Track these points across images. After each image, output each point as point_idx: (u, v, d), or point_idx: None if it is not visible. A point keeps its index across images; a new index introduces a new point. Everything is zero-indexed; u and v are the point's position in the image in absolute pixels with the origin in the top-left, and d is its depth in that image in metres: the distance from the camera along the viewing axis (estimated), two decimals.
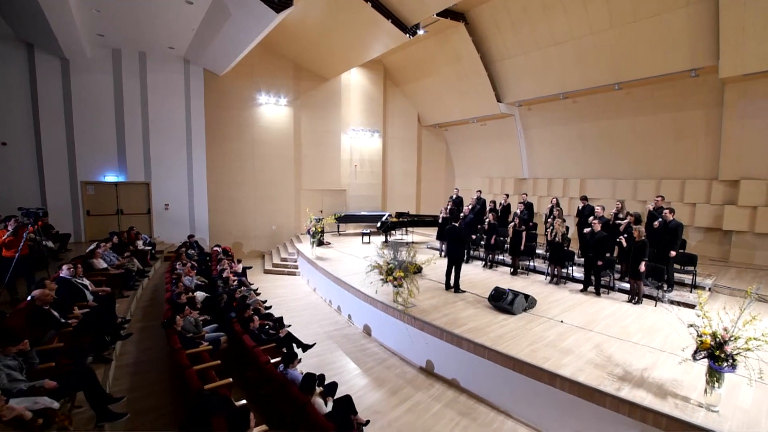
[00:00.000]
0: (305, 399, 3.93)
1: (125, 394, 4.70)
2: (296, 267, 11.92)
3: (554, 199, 9.64)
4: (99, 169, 11.20)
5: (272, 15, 8.09)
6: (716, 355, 3.57)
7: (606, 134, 11.91)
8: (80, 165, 10.88)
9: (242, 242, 13.59)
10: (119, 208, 11.66)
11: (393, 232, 13.54)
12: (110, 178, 11.36)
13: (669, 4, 8.67)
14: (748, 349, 3.51)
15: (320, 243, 12.11)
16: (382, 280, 6.60)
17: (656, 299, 6.85)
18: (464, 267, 9.51)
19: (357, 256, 10.38)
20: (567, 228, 9.70)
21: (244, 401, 4.02)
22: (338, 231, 14.46)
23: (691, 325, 3.86)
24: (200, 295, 7.52)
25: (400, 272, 6.42)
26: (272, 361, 4.92)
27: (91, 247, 7.83)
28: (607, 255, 8.02)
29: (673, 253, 6.85)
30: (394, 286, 6.56)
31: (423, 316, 6.17)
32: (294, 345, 6.30)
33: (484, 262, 9.59)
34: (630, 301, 6.92)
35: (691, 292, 7.09)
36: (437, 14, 10.91)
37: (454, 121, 15.66)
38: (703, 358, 3.68)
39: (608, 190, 12.22)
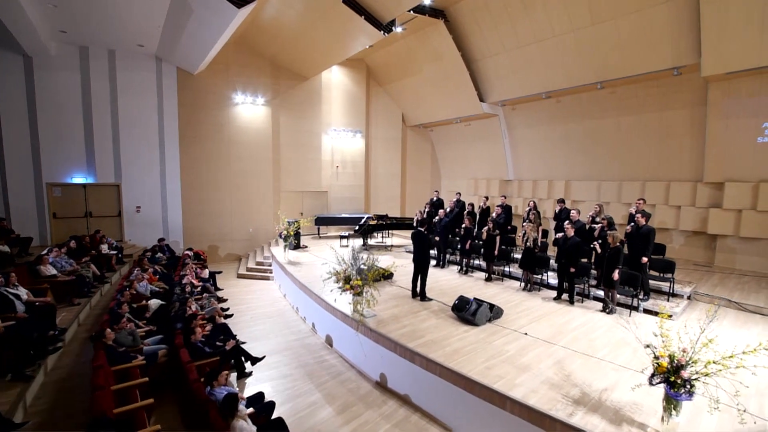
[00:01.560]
0: (221, 424, 3.56)
1: (44, 415, 4.34)
2: (271, 271, 11.56)
3: (531, 202, 9.28)
4: (66, 170, 10.84)
5: (234, 11, 7.75)
6: (672, 381, 3.21)
7: (591, 135, 11.57)
8: (45, 166, 10.53)
9: (218, 245, 13.23)
10: (88, 210, 11.30)
11: (374, 234, 13.19)
12: (78, 179, 11.00)
13: (649, 0, 8.33)
14: (707, 374, 3.15)
15: (297, 246, 11.77)
16: (339, 288, 6.23)
17: (630, 308, 6.50)
18: (440, 272, 9.21)
19: (332, 261, 10.01)
20: (545, 232, 9.36)
21: (157, 426, 3.66)
22: (318, 234, 14.12)
23: (647, 346, 3.50)
24: (154, 303, 7.18)
25: (357, 281, 6.06)
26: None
27: (43, 252, 7.47)
28: (584, 260, 7.68)
29: (644, 260, 6.49)
30: (354, 295, 6.20)
31: (381, 326, 5.81)
32: (243, 358, 5.97)
33: (459, 268, 9.23)
34: (603, 310, 6.56)
35: (668, 300, 6.73)
36: (415, 11, 10.58)
37: (438, 121, 15.32)
38: (660, 382, 3.32)
39: (593, 192, 11.88)
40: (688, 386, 3.17)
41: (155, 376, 5.14)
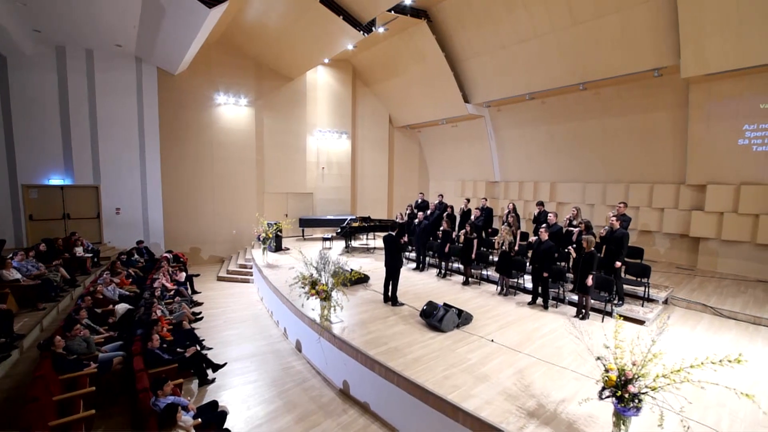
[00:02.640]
0: None
1: None
2: (251, 274, 11.41)
3: (511, 204, 9.16)
4: (43, 171, 10.68)
5: (205, 11, 7.61)
6: (620, 396, 3.08)
7: (575, 136, 11.47)
8: (21, 167, 10.36)
9: (201, 247, 13.08)
10: (66, 212, 11.14)
11: (359, 236, 13.09)
12: (55, 181, 10.85)
13: (629, 0, 8.22)
14: (654, 389, 3.02)
15: (278, 248, 11.64)
16: (305, 293, 6.10)
17: (604, 314, 6.38)
18: (418, 276, 9.10)
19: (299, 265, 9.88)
20: (525, 235, 9.24)
21: None
22: (303, 236, 13.99)
23: (598, 358, 3.37)
24: (121, 307, 7.03)
25: (323, 286, 5.93)
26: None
27: (8, 256, 7.32)
28: (562, 264, 7.56)
29: (618, 264, 6.37)
30: (321, 300, 6.06)
31: (346, 332, 5.68)
32: (205, 365, 5.83)
33: (438, 271, 9.10)
34: (577, 316, 6.43)
35: (642, 305, 6.60)
36: (396, 11, 10.45)
37: (425, 122, 15.19)
38: (608, 397, 3.19)
39: (578, 194, 11.79)
40: (636, 401, 3.04)
41: (109, 384, 5.02)
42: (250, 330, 7.91)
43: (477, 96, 12.64)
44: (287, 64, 13.01)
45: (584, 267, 6.22)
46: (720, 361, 2.84)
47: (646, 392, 3.05)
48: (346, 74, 14.86)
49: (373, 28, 10.26)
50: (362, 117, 15.64)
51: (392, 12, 10.28)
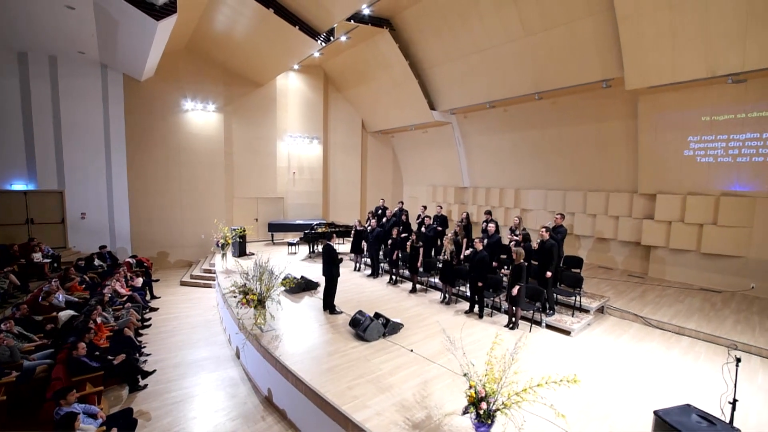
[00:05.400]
0: None
1: None
2: (215, 279, 11.51)
3: (465, 213, 9.26)
4: (4, 176, 10.75)
5: (153, 23, 7.71)
6: (477, 412, 3.21)
7: (537, 144, 11.63)
8: None
9: (168, 252, 13.19)
10: (29, 217, 11.22)
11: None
12: (18, 186, 10.93)
13: (574, 14, 8.37)
14: (506, 406, 3.15)
15: (242, 253, 11.76)
16: (237, 302, 6.22)
17: (532, 323, 6.51)
18: (369, 282, 9.23)
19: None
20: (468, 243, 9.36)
21: None
22: (272, 240, 14.10)
23: (465, 374, 3.50)
24: (65, 314, 7.14)
25: (253, 295, 6.05)
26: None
27: None
28: (503, 272, 7.70)
29: (548, 274, 6.50)
30: (253, 308, 6.18)
31: (274, 341, 5.80)
32: (134, 372, 5.94)
33: (389, 278, 9.23)
34: (507, 325, 6.56)
35: (572, 315, 6.74)
36: (357, 20, 10.57)
37: (396, 128, 15.32)
38: (467, 413, 3.32)
39: (541, 201, 11.94)
40: (491, 420, 3.16)
41: (30, 393, 5.13)
42: (197, 336, 8.02)
43: (442, 103, 12.77)
44: (255, 70, 13.13)
45: (512, 278, 6.35)
46: (561, 380, 2.98)
47: (500, 409, 3.18)
48: (318, 80, 14.98)
49: (332, 38, 10.37)
50: (335, 122, 15.76)
51: (352, 21, 10.40)
